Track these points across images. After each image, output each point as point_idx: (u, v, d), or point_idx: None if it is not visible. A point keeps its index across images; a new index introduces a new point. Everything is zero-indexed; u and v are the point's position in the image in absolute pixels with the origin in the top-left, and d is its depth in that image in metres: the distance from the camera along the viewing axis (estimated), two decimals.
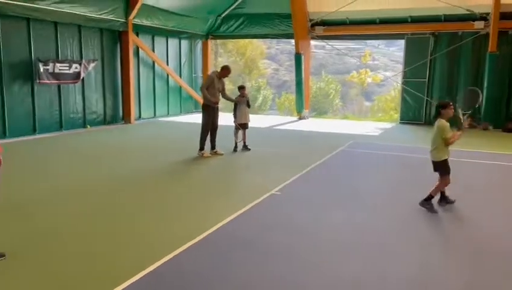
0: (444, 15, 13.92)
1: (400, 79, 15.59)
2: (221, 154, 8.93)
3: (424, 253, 4.20)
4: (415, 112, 14.84)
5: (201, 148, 8.76)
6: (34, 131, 11.00)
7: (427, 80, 14.53)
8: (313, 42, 17.29)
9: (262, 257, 4.03)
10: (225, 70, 8.76)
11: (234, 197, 6.04)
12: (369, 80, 28.27)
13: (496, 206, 5.85)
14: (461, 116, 5.46)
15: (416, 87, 14.65)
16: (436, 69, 14.44)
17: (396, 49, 42.69)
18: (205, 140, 8.77)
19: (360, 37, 16.60)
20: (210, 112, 8.69)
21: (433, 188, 5.40)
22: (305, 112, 16.22)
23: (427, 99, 14.59)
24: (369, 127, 14.27)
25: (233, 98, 9.42)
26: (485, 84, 13.26)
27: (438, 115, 5.28)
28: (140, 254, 4.03)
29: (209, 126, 8.75)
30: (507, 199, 6.22)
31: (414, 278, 3.69)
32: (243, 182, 7.18)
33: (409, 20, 14.46)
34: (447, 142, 5.20)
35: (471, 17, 13.48)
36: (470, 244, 4.47)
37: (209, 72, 15.91)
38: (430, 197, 5.40)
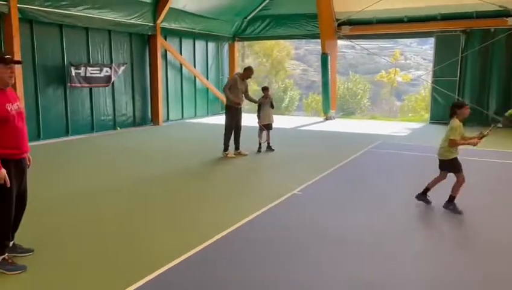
0: (476, 11, 13.52)
1: (430, 78, 15.24)
2: (245, 155, 9.02)
3: (444, 253, 4.12)
4: (445, 112, 14.30)
5: (225, 148, 8.88)
6: (67, 133, 11.43)
7: (458, 78, 14.14)
8: (342, 42, 17.17)
9: (277, 256, 4.06)
10: (248, 72, 8.85)
11: (255, 197, 6.10)
12: (399, 79, 27.69)
13: None
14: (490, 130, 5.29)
15: (447, 86, 14.28)
16: (468, 68, 14.04)
17: (429, 48, 41.60)
18: (229, 141, 8.87)
19: (388, 36, 16.37)
20: (233, 113, 8.80)
21: (453, 188, 5.30)
22: (332, 112, 16.11)
23: (458, 99, 14.18)
24: (398, 127, 14.02)
25: (257, 99, 9.48)
26: None
27: (454, 114, 5.20)
28: (157, 253, 4.15)
29: (232, 127, 8.85)
30: None
31: (436, 279, 3.63)
32: (265, 181, 7.22)
33: (439, 17, 14.12)
34: (452, 143, 5.12)
35: (504, 13, 13.04)
36: (490, 246, 4.35)
37: (234, 73, 16.21)
38: (452, 199, 5.32)
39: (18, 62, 4.01)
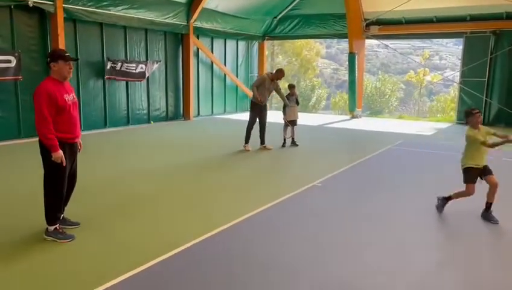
0: (506, 12, 13.46)
1: (458, 79, 15.23)
2: (270, 149, 9.48)
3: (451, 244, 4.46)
4: None
5: (246, 141, 9.37)
6: (105, 125, 12.22)
7: (486, 79, 14.10)
8: (375, 42, 17.33)
9: (287, 242, 4.50)
10: (279, 73, 9.30)
11: (277, 187, 6.53)
12: (428, 79, 27.40)
13: None
14: None
15: (475, 87, 14.27)
16: (497, 69, 13.99)
17: None
18: (249, 135, 9.36)
19: (417, 36, 16.44)
20: (256, 110, 9.28)
21: (455, 194, 5.21)
22: (358, 111, 16.33)
23: (486, 100, 14.17)
24: (424, 127, 14.14)
25: (286, 98, 9.85)
26: None
27: (466, 123, 5.15)
28: (180, 233, 4.67)
29: (254, 122, 9.33)
30: None
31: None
32: (287, 173, 7.66)
33: (468, 18, 14.13)
34: (487, 145, 4.83)
35: None
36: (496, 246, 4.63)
37: (264, 72, 16.68)
38: (447, 198, 5.25)
39: (75, 59, 4.62)
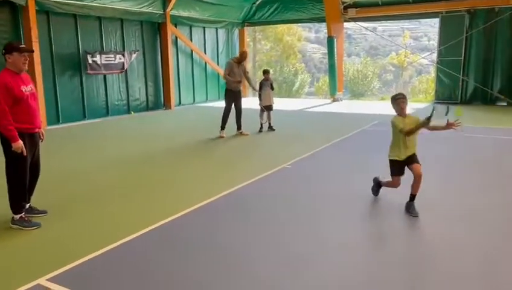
0: None
1: (435, 58, 15.40)
2: (247, 135, 9.60)
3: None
4: (450, 91, 14.67)
5: (222, 128, 9.47)
6: (84, 117, 12.23)
7: (462, 58, 14.28)
8: (363, 24, 17.42)
9: (255, 221, 4.66)
10: (242, 55, 9.51)
11: (247, 170, 6.67)
12: (409, 60, 27.51)
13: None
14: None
15: (452, 66, 14.45)
16: (472, 47, 14.16)
17: None
18: (225, 122, 9.47)
19: (394, 17, 16.49)
20: (231, 96, 9.43)
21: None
22: (339, 94, 16.47)
23: (462, 78, 14.37)
24: None
25: (256, 85, 9.95)
26: None
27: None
28: (152, 213, 4.81)
29: (230, 109, 9.46)
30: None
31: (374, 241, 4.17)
32: (260, 157, 7.78)
33: None
34: (405, 133, 4.47)
35: None
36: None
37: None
38: (377, 183, 5.08)
39: (30, 51, 4.66)
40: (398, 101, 4.61)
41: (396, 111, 4.67)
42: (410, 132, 4.46)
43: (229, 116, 9.52)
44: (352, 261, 3.61)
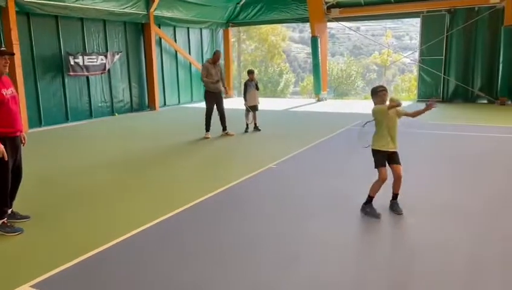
0: None
1: (417, 57, 15.62)
2: (232, 135, 9.59)
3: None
4: (432, 90, 14.90)
5: (206, 129, 9.44)
6: (66, 119, 12.06)
7: (443, 57, 14.53)
8: (347, 24, 17.55)
9: (243, 220, 4.67)
10: (215, 55, 9.39)
11: (233, 170, 6.68)
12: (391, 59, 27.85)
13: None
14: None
15: (433, 65, 14.68)
16: (453, 46, 14.41)
17: None
18: (209, 123, 9.43)
19: (376, 17, 16.68)
20: (211, 98, 9.38)
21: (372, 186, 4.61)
22: (323, 93, 16.58)
23: (444, 77, 14.61)
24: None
25: (222, 87, 9.65)
26: (501, 59, 13.16)
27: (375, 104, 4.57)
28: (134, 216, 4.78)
29: (211, 111, 9.41)
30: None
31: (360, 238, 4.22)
32: (246, 157, 7.80)
33: None
34: (388, 108, 4.37)
35: None
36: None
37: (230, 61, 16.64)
38: (369, 200, 4.61)
39: (11, 53, 4.59)
40: (380, 93, 4.48)
41: (376, 103, 4.52)
42: (392, 107, 4.35)
43: (212, 117, 9.44)
44: (340, 260, 3.65)
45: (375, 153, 4.54)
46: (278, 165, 6.90)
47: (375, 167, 4.54)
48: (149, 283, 3.30)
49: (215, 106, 9.45)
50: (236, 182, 5.93)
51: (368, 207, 4.58)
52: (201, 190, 5.50)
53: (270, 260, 3.63)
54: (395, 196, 4.65)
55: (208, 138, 9.34)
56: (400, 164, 4.54)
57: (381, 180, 4.50)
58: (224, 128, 9.67)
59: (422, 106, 4.42)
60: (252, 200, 5.28)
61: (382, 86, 4.66)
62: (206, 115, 9.47)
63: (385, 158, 4.52)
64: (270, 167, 6.75)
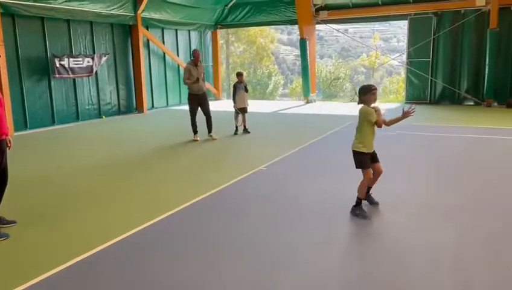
0: None
1: (405, 60, 15.76)
2: (215, 139, 9.34)
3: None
4: (420, 92, 15.04)
5: (194, 132, 9.32)
6: (53, 122, 11.88)
7: (430, 59, 14.68)
8: (335, 26, 17.62)
9: (239, 221, 4.63)
10: (194, 55, 9.18)
11: (224, 172, 6.63)
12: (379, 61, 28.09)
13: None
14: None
15: (421, 67, 14.83)
16: (440, 48, 14.57)
17: None
18: (195, 125, 9.29)
19: (364, 19, 16.78)
20: (194, 101, 9.20)
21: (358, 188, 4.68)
22: (312, 95, 16.62)
23: (431, 79, 14.76)
24: None
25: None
26: (487, 61, 13.34)
27: (361, 102, 4.57)
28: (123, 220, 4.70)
29: (195, 113, 9.25)
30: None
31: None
32: (235, 159, 7.76)
33: (411, 0, 14.58)
34: (378, 125, 4.54)
35: None
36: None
37: (215, 63, 16.49)
38: (359, 203, 4.66)
39: None
40: (374, 91, 4.51)
41: (368, 102, 4.52)
42: (382, 124, 4.55)
43: (199, 119, 9.29)
44: (330, 261, 3.63)
45: (360, 154, 4.63)
46: (268, 167, 6.87)
47: (361, 168, 4.65)
48: (138, 283, 3.24)
49: (199, 108, 9.25)
50: (227, 184, 5.90)
51: (357, 209, 4.64)
52: (191, 193, 5.45)
53: (261, 261, 3.61)
54: (368, 189, 4.83)
55: (197, 140, 9.25)
56: (379, 162, 4.76)
57: (368, 179, 4.64)
58: (210, 131, 9.47)
59: (407, 107, 4.51)
60: (243, 202, 5.25)
61: (374, 85, 4.68)
62: (191, 117, 9.31)
63: (369, 159, 4.67)
64: (260, 169, 6.72)
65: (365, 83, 5.17)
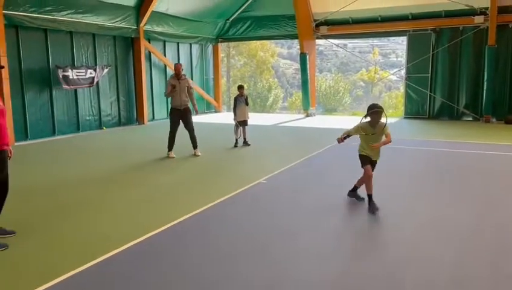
0: (445, 11, 14.21)
1: (404, 75, 15.90)
2: (198, 156, 8.92)
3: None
4: (418, 107, 15.14)
5: (169, 148, 8.87)
6: (53, 133, 11.91)
7: (429, 75, 14.81)
8: (334, 41, 17.80)
9: (237, 233, 4.64)
10: (175, 68, 8.81)
11: (224, 184, 6.64)
12: (378, 76, 28.31)
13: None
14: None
15: (420, 83, 14.96)
16: (438, 64, 14.73)
17: None
18: (171, 141, 8.86)
19: (364, 35, 16.99)
20: (175, 115, 8.76)
21: (359, 179, 5.49)
22: (312, 109, 16.71)
23: (430, 94, 14.87)
24: None
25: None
26: (485, 77, 13.47)
27: (369, 119, 5.11)
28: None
29: (175, 129, 8.81)
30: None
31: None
32: (236, 172, 7.77)
33: (410, 17, 14.80)
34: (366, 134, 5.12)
35: (471, 12, 13.73)
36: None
37: (215, 75, 16.60)
38: (354, 188, 5.58)
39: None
40: (379, 113, 4.89)
41: (371, 121, 4.96)
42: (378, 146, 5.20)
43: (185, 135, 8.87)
44: (329, 273, 3.63)
45: (361, 156, 5.33)
46: (267, 180, 6.89)
47: (362, 167, 5.27)
48: None
49: (182, 124, 8.78)
50: (227, 197, 5.90)
51: (352, 194, 5.60)
52: (191, 206, 5.45)
53: (259, 275, 3.61)
54: (355, 189, 5.58)
55: (173, 157, 8.74)
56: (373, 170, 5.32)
57: (367, 176, 5.20)
58: (195, 147, 9.02)
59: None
60: (244, 215, 5.24)
61: (381, 106, 5.05)
62: (169, 133, 8.82)
63: (368, 160, 5.24)
64: (260, 182, 6.73)
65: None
